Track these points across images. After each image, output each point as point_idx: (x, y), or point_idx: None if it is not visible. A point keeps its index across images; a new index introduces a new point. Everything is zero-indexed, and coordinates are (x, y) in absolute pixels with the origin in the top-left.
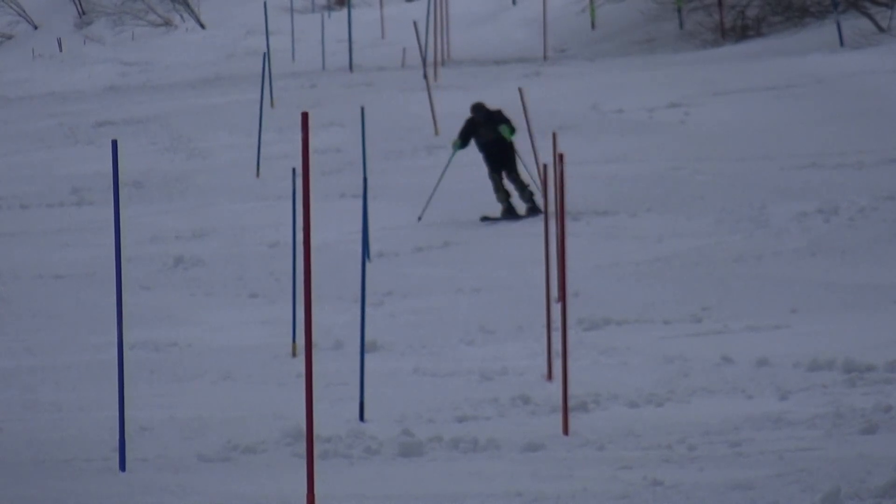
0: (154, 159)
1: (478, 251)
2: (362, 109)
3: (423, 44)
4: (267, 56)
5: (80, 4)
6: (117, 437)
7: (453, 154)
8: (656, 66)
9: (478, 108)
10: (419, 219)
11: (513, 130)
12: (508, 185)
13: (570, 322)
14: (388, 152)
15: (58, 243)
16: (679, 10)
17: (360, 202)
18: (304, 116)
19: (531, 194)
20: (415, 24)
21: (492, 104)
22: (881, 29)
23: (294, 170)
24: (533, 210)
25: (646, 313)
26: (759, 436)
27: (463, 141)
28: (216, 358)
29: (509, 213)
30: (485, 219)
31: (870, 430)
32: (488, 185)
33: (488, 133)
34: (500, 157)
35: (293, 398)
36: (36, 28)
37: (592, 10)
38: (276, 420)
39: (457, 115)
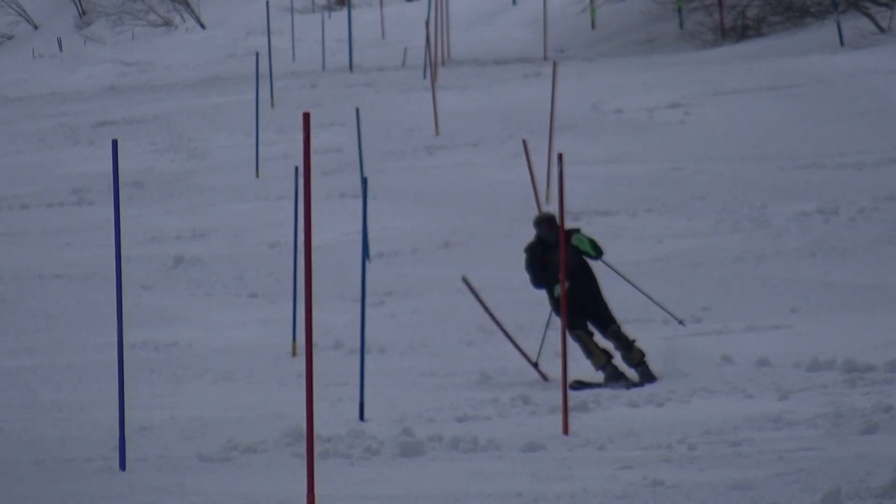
0: (154, 159)
1: (478, 251)
2: (357, 111)
3: (429, 43)
4: (268, 56)
5: (80, 4)
6: (117, 437)
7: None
8: (656, 66)
9: (549, 222)
10: None
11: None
12: (601, 340)
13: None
14: (388, 152)
15: (58, 243)
16: (679, 10)
17: (360, 202)
18: (306, 117)
19: (640, 353)
20: (427, 23)
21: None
22: (881, 29)
23: (297, 168)
24: (649, 375)
25: (646, 313)
26: (759, 436)
27: (538, 279)
28: (216, 358)
29: (615, 378)
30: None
31: (870, 430)
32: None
33: (568, 256)
34: (588, 295)
35: (293, 398)
36: (36, 28)
37: (592, 11)
38: (276, 420)
39: (457, 115)
